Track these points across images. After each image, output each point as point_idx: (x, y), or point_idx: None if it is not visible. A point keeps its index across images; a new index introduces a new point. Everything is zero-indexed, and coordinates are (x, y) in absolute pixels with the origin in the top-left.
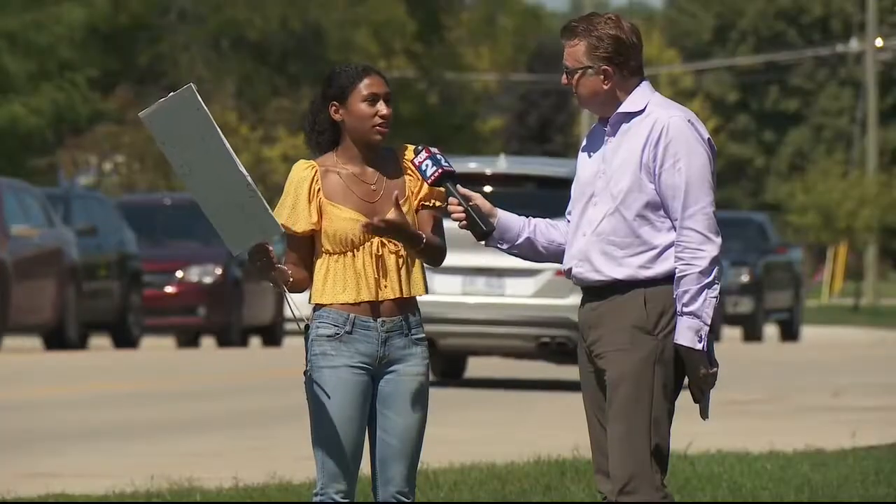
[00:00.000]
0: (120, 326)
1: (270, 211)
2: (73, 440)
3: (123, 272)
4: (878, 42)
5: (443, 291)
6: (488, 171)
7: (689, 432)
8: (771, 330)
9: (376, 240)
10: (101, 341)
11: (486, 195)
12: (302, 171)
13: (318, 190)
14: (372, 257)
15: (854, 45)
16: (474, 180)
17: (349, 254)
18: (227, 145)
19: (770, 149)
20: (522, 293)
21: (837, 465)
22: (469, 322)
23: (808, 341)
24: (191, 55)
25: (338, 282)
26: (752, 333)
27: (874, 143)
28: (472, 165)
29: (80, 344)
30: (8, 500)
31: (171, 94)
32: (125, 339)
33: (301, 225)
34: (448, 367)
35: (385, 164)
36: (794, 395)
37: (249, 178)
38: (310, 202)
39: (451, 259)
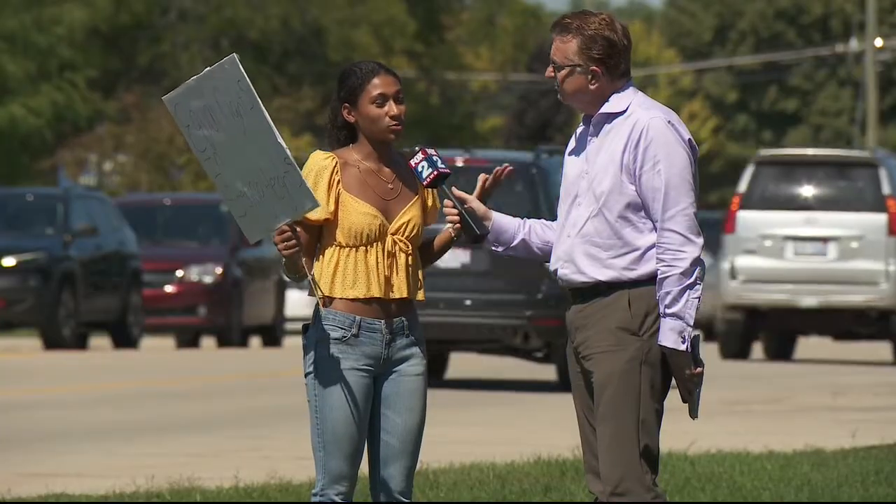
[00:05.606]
0: (120, 326)
1: (308, 185)
2: (73, 440)
3: (123, 272)
4: (878, 42)
5: None
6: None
7: (689, 432)
8: None
9: (389, 238)
10: (101, 341)
11: None
12: (322, 160)
13: (338, 181)
14: (385, 254)
15: (854, 45)
16: None
17: (362, 249)
18: (268, 116)
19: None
20: None
21: (837, 465)
22: None
23: (809, 341)
24: (191, 55)
25: (347, 276)
26: None
27: (874, 144)
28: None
29: (80, 344)
30: (8, 500)
31: (210, 67)
32: (125, 339)
33: (318, 212)
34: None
35: (399, 165)
36: (794, 395)
37: (288, 151)
38: (329, 191)
39: None
